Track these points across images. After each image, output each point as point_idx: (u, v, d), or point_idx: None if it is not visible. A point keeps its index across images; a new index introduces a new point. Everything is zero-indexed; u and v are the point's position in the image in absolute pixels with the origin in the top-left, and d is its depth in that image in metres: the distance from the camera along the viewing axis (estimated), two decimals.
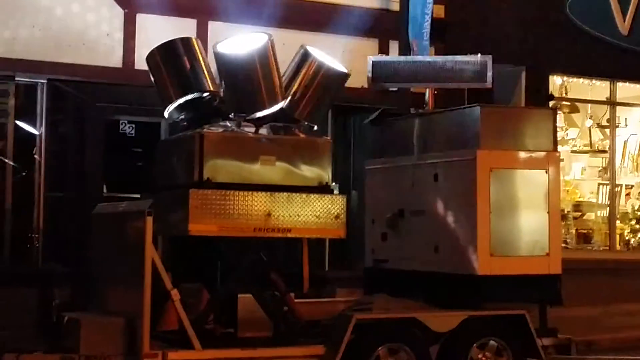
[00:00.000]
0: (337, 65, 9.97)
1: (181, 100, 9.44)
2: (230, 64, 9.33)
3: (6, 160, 12.73)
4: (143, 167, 13.32)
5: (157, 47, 9.70)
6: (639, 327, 14.08)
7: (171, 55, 9.51)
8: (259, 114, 9.38)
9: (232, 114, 9.42)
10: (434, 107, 11.96)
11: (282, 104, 9.38)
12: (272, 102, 9.35)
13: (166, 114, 9.70)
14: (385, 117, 11.52)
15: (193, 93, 9.40)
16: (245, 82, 9.29)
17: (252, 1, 13.57)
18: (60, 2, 12.79)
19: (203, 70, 9.47)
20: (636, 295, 15.42)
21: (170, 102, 9.50)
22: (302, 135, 9.68)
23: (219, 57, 9.38)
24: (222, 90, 9.43)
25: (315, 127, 9.90)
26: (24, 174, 12.76)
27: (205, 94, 9.45)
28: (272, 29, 10.61)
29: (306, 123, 9.79)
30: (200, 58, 9.48)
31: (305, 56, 9.74)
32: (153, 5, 13.15)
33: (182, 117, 9.69)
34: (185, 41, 9.67)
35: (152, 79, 9.76)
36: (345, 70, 10.02)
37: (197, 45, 9.57)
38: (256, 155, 9.20)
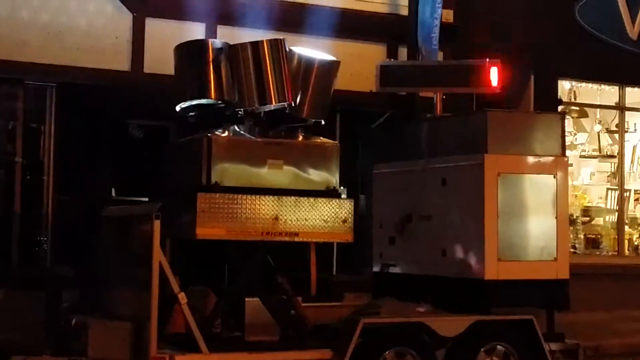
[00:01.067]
0: (325, 56, 10.00)
1: (196, 102, 9.49)
2: (241, 53, 9.35)
3: (16, 160, 12.78)
4: (151, 170, 13.35)
5: (188, 42, 9.77)
6: None
7: (199, 54, 9.52)
8: (266, 108, 9.39)
9: (241, 110, 9.42)
10: (442, 111, 11.99)
11: (286, 104, 9.37)
12: (280, 98, 9.34)
13: (178, 108, 9.74)
14: (393, 122, 11.54)
15: (210, 99, 9.44)
16: (254, 71, 9.29)
17: (261, 6, 13.59)
18: (69, 6, 12.82)
19: (224, 77, 9.48)
20: None
21: (185, 98, 9.56)
22: (309, 138, 9.69)
23: (232, 50, 9.41)
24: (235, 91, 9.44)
25: (323, 122, 9.89)
26: (28, 177, 12.79)
27: (220, 103, 9.49)
28: (281, 34, 10.61)
29: (313, 120, 9.80)
30: (225, 64, 9.48)
31: (291, 57, 9.74)
32: (162, 9, 13.17)
33: (193, 114, 9.72)
34: (216, 44, 9.66)
35: (174, 70, 9.79)
36: (334, 59, 10.03)
37: (225, 50, 9.56)
38: (264, 159, 9.23)
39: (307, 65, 9.71)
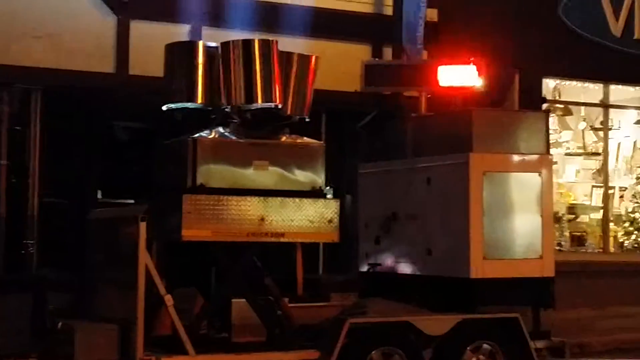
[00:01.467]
0: (303, 53, 10.02)
1: (183, 105, 9.50)
2: (232, 50, 9.34)
3: (1, 163, 12.75)
4: (137, 172, 13.32)
5: (178, 43, 9.78)
6: (634, 329, 14.11)
7: (189, 56, 9.51)
8: (252, 106, 9.37)
9: (228, 108, 9.41)
10: (426, 110, 12.01)
11: (272, 104, 9.37)
12: (267, 97, 9.32)
13: (165, 108, 9.73)
14: (378, 121, 11.55)
15: (197, 103, 9.44)
16: (243, 69, 9.29)
17: (246, 7, 13.58)
18: (54, 10, 12.80)
19: (213, 81, 9.48)
20: (630, 297, 15.45)
21: (174, 100, 9.56)
22: (295, 139, 9.69)
23: (223, 48, 9.40)
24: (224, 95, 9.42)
25: (307, 119, 9.90)
26: (13, 180, 12.75)
27: (208, 106, 9.49)
28: (266, 35, 10.60)
29: (297, 118, 9.80)
30: (215, 67, 9.45)
31: None
32: (146, 11, 13.15)
33: (180, 113, 9.71)
34: (206, 46, 9.62)
35: (164, 70, 9.76)
36: (311, 54, 10.05)
37: (215, 52, 9.55)
38: (249, 160, 9.23)
39: (287, 62, 9.71)
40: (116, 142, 13.77)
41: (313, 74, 9.97)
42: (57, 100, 13.13)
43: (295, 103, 9.74)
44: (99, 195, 13.18)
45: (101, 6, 13.03)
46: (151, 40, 12.29)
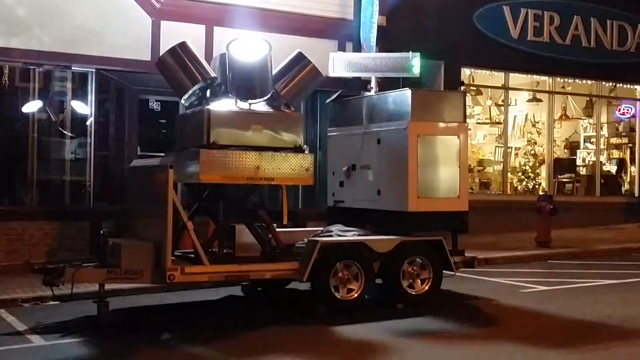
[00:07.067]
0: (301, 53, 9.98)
1: (192, 90, 9.34)
2: (242, 65, 9.12)
3: (65, 132, 12.62)
4: (166, 133, 13.24)
5: (165, 53, 9.44)
6: (521, 248, 14.26)
7: (178, 57, 9.35)
8: (257, 101, 9.25)
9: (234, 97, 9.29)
10: (377, 90, 11.93)
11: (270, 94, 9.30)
12: (264, 93, 9.26)
13: (183, 101, 9.61)
14: (342, 98, 11.47)
15: (200, 83, 9.29)
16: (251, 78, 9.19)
17: (247, 13, 13.41)
18: (105, 12, 12.60)
19: (202, 64, 9.35)
20: (520, 226, 15.63)
21: (184, 92, 9.41)
22: (282, 109, 9.60)
23: (231, 59, 9.09)
24: (229, 81, 9.24)
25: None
26: (76, 138, 12.61)
27: (208, 81, 9.35)
28: (265, 34, 10.47)
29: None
30: (197, 55, 9.37)
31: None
32: (173, 14, 13.00)
33: (194, 101, 9.57)
34: (182, 45, 9.40)
35: (165, 78, 9.53)
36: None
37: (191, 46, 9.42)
38: (249, 124, 9.13)
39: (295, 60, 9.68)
40: (151, 111, 13.66)
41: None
42: (107, 80, 12.97)
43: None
44: (138, 150, 13.08)
45: (140, 9, 12.83)
46: (177, 35, 12.08)
